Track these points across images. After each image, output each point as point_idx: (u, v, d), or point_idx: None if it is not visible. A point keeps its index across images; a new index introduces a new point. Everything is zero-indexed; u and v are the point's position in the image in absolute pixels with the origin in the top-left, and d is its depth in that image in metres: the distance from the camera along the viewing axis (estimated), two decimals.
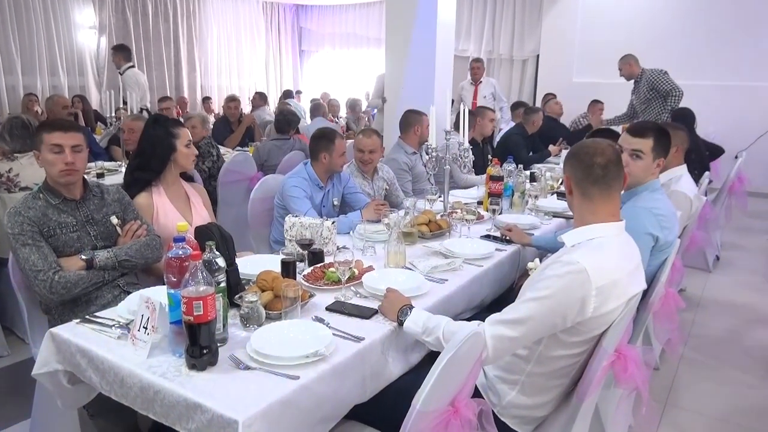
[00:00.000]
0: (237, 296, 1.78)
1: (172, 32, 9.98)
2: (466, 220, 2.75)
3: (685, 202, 2.87)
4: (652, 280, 2.12)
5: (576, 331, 1.55)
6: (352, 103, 8.19)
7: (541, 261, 1.90)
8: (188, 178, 2.81)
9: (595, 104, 7.35)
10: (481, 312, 2.46)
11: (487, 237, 2.81)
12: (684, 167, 3.08)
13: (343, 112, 8.70)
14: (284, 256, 2.12)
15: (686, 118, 4.18)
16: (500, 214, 3.07)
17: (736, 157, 5.13)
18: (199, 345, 1.48)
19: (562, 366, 1.63)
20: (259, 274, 1.92)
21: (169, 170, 2.57)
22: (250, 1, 11.43)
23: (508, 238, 2.73)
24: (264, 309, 1.79)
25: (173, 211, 2.59)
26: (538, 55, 9.43)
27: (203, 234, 1.88)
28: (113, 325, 1.73)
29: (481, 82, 7.08)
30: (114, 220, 2.31)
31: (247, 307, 1.73)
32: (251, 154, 4.85)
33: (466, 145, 2.97)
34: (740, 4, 7.41)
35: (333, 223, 2.49)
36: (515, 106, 6.69)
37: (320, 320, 1.80)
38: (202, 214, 2.69)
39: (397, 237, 2.34)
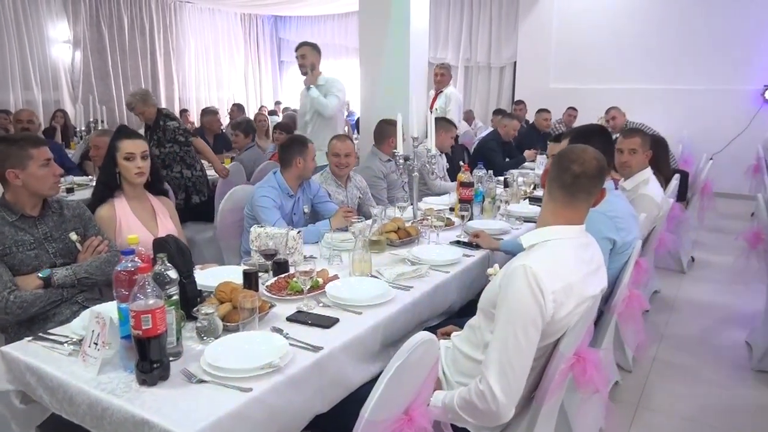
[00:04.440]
0: (195, 309, 1.76)
1: (149, 45, 9.93)
2: (435, 226, 2.75)
3: (652, 205, 2.89)
4: (614, 282, 2.13)
5: None
6: None
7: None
8: (160, 192, 2.77)
9: (569, 110, 7.43)
10: (450, 318, 2.45)
11: (457, 243, 2.80)
12: (649, 170, 3.11)
13: None
14: (246, 267, 2.10)
15: (661, 146, 4.11)
16: (470, 219, 3.07)
17: (711, 159, 5.21)
18: (150, 359, 1.45)
19: None
20: (218, 285, 1.90)
21: (125, 182, 2.53)
22: (228, 13, 11.43)
23: (476, 243, 2.73)
24: (222, 321, 1.76)
25: (137, 223, 2.56)
26: (515, 62, 9.52)
27: (160, 246, 1.85)
28: (65, 342, 1.69)
29: (441, 92, 6.15)
30: (73, 236, 2.27)
31: (203, 319, 1.70)
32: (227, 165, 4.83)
33: (434, 151, 2.97)
34: (713, 11, 7.54)
35: (298, 232, 2.47)
36: (495, 113, 6.73)
37: (279, 331, 1.77)
38: (168, 227, 2.66)
39: (363, 245, 2.32)
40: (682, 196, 4.42)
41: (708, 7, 7.56)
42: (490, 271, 1.89)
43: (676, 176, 3.78)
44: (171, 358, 1.55)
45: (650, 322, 3.68)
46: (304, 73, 4.49)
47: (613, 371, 2.85)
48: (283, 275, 2.22)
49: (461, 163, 4.48)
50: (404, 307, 2.06)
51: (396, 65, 5.29)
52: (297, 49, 4.52)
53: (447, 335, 2.02)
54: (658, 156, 3.46)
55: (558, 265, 1.54)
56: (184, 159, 4.37)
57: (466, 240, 2.81)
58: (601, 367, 1.66)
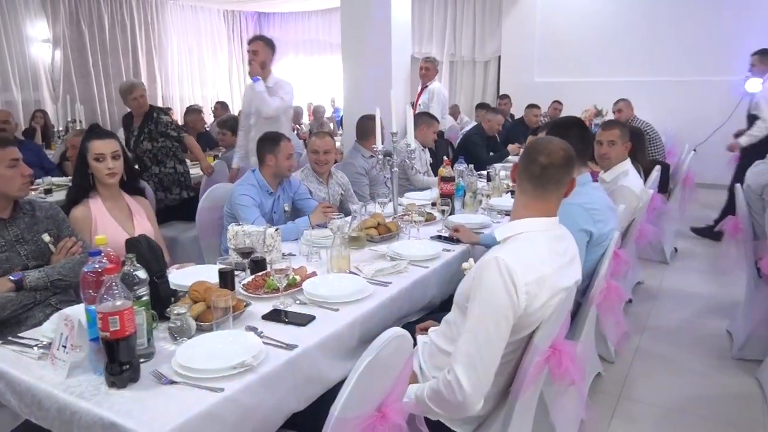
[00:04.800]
0: (168, 309, 1.73)
1: (130, 43, 9.81)
2: (415, 222, 2.73)
3: (632, 197, 2.89)
4: (592, 274, 2.13)
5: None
6: (314, 110, 8.15)
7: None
8: (136, 191, 2.73)
9: (554, 104, 7.46)
10: (431, 313, 2.45)
11: (438, 238, 2.80)
12: (629, 162, 3.12)
13: (306, 119, 8.66)
14: (222, 266, 2.08)
15: (639, 136, 4.10)
16: (451, 214, 3.06)
17: (695, 150, 5.23)
18: (119, 361, 1.43)
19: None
20: (192, 285, 1.87)
21: (99, 183, 2.50)
22: (211, 10, 11.32)
23: (456, 238, 2.72)
24: (196, 321, 1.74)
25: (113, 223, 2.52)
26: (499, 57, 9.53)
27: (132, 246, 1.82)
28: (35, 345, 1.66)
29: (426, 86, 6.03)
30: (46, 237, 2.23)
31: (176, 319, 1.68)
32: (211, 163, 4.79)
33: (413, 146, 2.96)
34: (695, 2, 7.58)
35: (276, 230, 2.44)
36: (478, 108, 6.72)
37: (253, 329, 1.75)
38: (145, 227, 2.62)
39: (341, 241, 2.31)
40: (663, 187, 4.45)
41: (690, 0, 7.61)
42: (465, 265, 1.88)
43: (657, 167, 3.79)
44: (142, 360, 1.53)
45: (633, 313, 3.71)
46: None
47: (595, 363, 2.87)
48: (260, 273, 2.20)
49: (445, 158, 4.48)
50: (382, 303, 2.05)
51: (378, 60, 5.28)
52: (250, 43, 4.13)
53: (426, 330, 2.01)
54: (636, 147, 3.47)
55: (531, 257, 1.53)
56: (176, 154, 4.36)
57: (446, 235, 2.80)
58: (576, 360, 1.66)
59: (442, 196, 3.19)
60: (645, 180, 3.70)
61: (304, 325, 1.81)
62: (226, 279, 2.06)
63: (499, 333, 1.48)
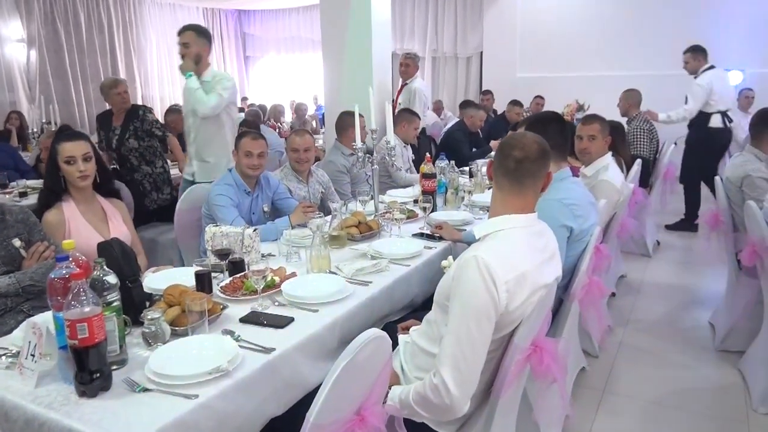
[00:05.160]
0: (142, 314, 1.69)
1: (108, 43, 9.65)
2: (396, 219, 2.71)
3: (613, 191, 2.89)
4: (573, 270, 2.11)
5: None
6: (296, 107, 8.08)
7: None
8: (110, 193, 2.67)
9: (536, 99, 7.47)
10: (414, 311, 2.42)
11: (420, 235, 2.77)
12: (609, 156, 3.12)
13: (288, 117, 8.59)
14: (198, 268, 2.04)
15: (619, 131, 4.08)
16: (433, 211, 3.04)
17: (675, 144, 5.27)
18: (89, 370, 1.38)
19: None
20: (166, 289, 1.83)
21: (71, 186, 2.44)
22: (190, 8, 11.18)
23: (438, 235, 2.70)
24: (171, 326, 1.70)
25: (87, 227, 2.46)
26: (481, 52, 9.52)
27: (104, 250, 1.77)
28: (2, 355, 1.61)
29: (407, 83, 5.68)
30: (17, 242, 2.17)
31: (150, 324, 1.63)
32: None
33: (393, 143, 2.93)
34: None
35: (255, 230, 2.40)
36: (463, 105, 6.66)
37: (230, 333, 1.71)
38: (121, 230, 2.56)
39: (320, 241, 2.27)
40: (645, 181, 4.47)
41: None
42: (444, 263, 1.85)
43: (638, 161, 3.80)
44: (114, 367, 1.49)
45: (616, 307, 3.72)
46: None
47: (579, 358, 2.86)
48: (238, 275, 2.16)
49: (427, 154, 4.45)
50: (362, 303, 2.02)
51: (358, 57, 5.23)
52: (179, 34, 3.60)
53: (408, 330, 1.99)
54: (616, 141, 3.48)
55: (510, 255, 1.51)
56: (162, 154, 4.28)
57: (428, 232, 2.77)
58: (558, 357, 1.64)
59: (424, 193, 3.16)
60: (626, 174, 3.72)
61: (282, 327, 1.78)
62: (203, 281, 2.02)
63: (482, 333, 1.46)
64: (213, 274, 2.21)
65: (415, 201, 3.40)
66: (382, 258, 2.38)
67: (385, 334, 1.34)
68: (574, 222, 2.05)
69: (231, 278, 2.14)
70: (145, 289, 2.01)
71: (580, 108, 7.38)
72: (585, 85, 7.76)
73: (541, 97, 7.48)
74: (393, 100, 5.80)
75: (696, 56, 5.55)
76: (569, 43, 8.47)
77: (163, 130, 4.33)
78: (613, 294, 3.84)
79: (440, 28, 9.79)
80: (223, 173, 3.05)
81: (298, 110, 8.10)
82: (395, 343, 1.84)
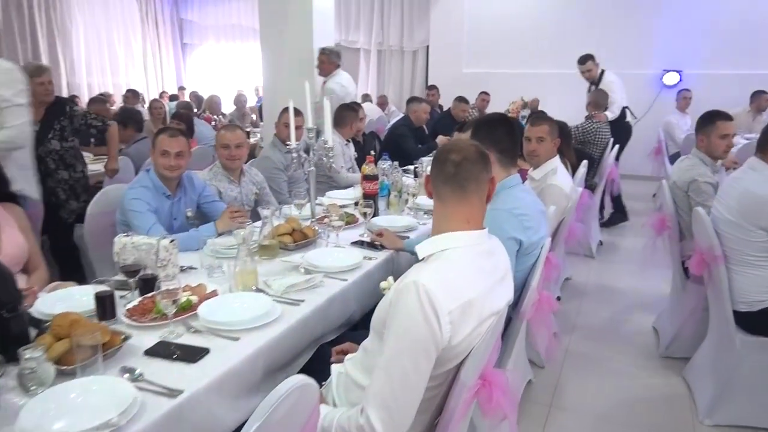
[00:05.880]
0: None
1: (29, 26, 8.92)
2: (334, 226, 2.49)
3: (561, 196, 2.77)
4: (522, 286, 1.96)
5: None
6: (236, 98, 7.70)
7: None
8: (5, 197, 2.32)
9: (482, 95, 7.39)
10: (351, 330, 2.22)
11: (360, 243, 2.56)
12: (558, 159, 3.00)
13: (229, 109, 8.17)
14: (99, 289, 1.76)
15: (566, 132, 3.98)
16: (374, 216, 2.84)
17: (618, 144, 5.27)
18: None
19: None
20: (54, 318, 1.54)
21: None
22: None
23: (380, 243, 2.50)
24: (57, 364, 1.42)
25: None
26: (428, 46, 9.38)
27: None
28: None
29: (326, 81, 5.08)
30: None
31: (27, 364, 1.35)
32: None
33: (330, 143, 2.70)
34: None
35: (172, 241, 2.13)
36: (409, 101, 6.45)
37: (130, 371, 1.45)
38: (15, 240, 2.22)
39: (246, 254, 2.02)
40: (587, 181, 4.42)
41: None
42: (383, 284, 1.65)
43: (584, 163, 3.72)
44: None
45: (562, 312, 3.63)
46: None
47: (526, 370, 2.74)
48: (149, 295, 1.89)
49: (371, 154, 4.24)
50: (292, 327, 1.79)
51: (298, 48, 4.98)
52: None
53: (344, 353, 1.78)
54: (563, 142, 3.38)
55: (456, 279, 1.33)
56: (82, 156, 3.79)
57: (369, 240, 2.57)
58: (508, 390, 1.47)
59: (365, 196, 2.96)
60: (573, 175, 3.63)
61: (194, 361, 1.53)
62: (104, 305, 1.74)
63: (419, 371, 1.27)
64: (122, 293, 1.94)
65: (357, 203, 3.19)
66: (316, 271, 2.16)
67: (310, 381, 1.12)
68: (524, 234, 1.89)
69: (140, 299, 1.87)
70: (36, 314, 1.73)
71: (525, 105, 7.36)
72: (530, 83, 7.75)
73: (487, 93, 7.41)
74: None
75: (595, 63, 5.88)
76: (516, 40, 8.44)
77: (103, 119, 3.89)
78: (558, 298, 3.76)
79: (386, 20, 9.58)
80: None
81: (238, 101, 7.72)
82: (331, 368, 1.64)
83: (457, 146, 1.49)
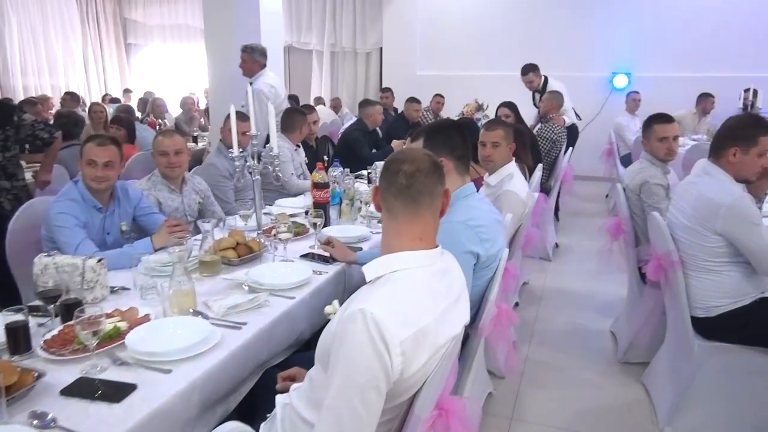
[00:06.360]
0: None
1: None
2: (281, 239, 2.33)
3: (518, 202, 2.70)
4: (480, 300, 1.86)
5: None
6: (183, 101, 7.40)
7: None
8: None
9: (436, 98, 7.34)
10: (302, 349, 2.08)
11: (310, 256, 2.42)
12: (514, 164, 2.94)
13: (176, 112, 7.85)
14: (13, 317, 1.56)
15: (522, 136, 3.89)
16: (325, 226, 2.70)
17: (572, 147, 5.29)
18: None
19: None
20: None
21: None
22: None
23: (331, 256, 2.36)
24: None
25: None
26: (381, 48, 9.28)
27: None
28: None
29: (252, 82, 4.65)
30: None
31: None
32: None
33: (276, 150, 2.55)
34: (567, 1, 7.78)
35: (100, 260, 1.94)
36: (362, 104, 6.30)
37: (40, 417, 1.27)
38: None
39: (182, 273, 1.85)
40: (542, 184, 4.40)
41: None
42: (328, 309, 1.51)
43: (539, 167, 3.68)
44: None
45: (520, 318, 3.51)
46: None
47: (485, 382, 2.65)
48: (71, 323, 1.69)
49: (325, 158, 4.10)
50: (232, 354, 1.64)
51: None
52: None
53: (291, 379, 1.64)
54: (519, 147, 3.32)
55: (407, 305, 1.20)
56: (20, 164, 3.50)
57: (320, 252, 2.43)
58: (466, 417, 1.36)
59: (316, 205, 2.82)
60: (529, 180, 3.58)
61: (119, 401, 1.36)
62: (17, 337, 1.55)
63: (369, 408, 1.14)
64: (40, 321, 1.75)
65: (308, 212, 3.05)
66: (261, 289, 2.01)
67: (246, 429, 0.98)
68: (481, 247, 1.79)
69: (61, 327, 1.68)
70: None
71: (480, 108, 7.35)
72: (485, 85, 7.74)
73: (441, 96, 7.36)
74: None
75: (537, 73, 5.95)
76: (468, 42, 8.44)
77: (50, 130, 3.61)
78: (517, 304, 3.71)
79: (339, 21, 9.43)
80: None
81: (184, 104, 7.42)
82: (275, 396, 1.49)
83: (410, 156, 1.36)
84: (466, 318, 1.40)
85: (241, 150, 2.58)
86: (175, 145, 2.86)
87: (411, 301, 1.22)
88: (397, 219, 1.34)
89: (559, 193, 4.92)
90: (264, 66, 4.68)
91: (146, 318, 1.77)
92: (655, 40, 7.48)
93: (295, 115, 4.10)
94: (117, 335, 1.64)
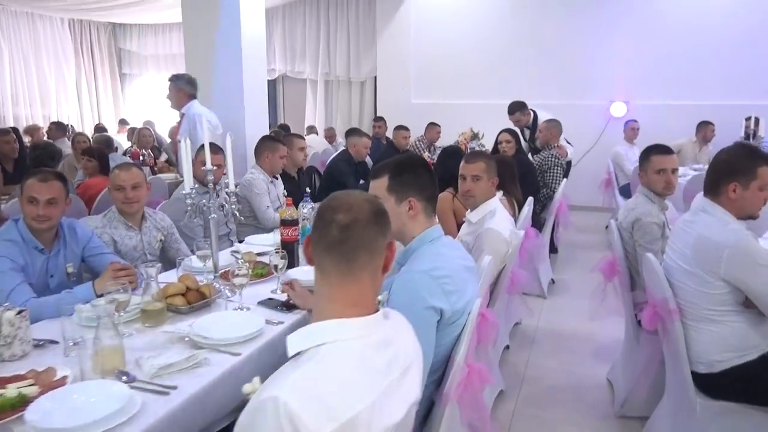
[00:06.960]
0: None
1: None
2: (235, 285, 2.11)
3: (500, 241, 2.47)
4: (446, 360, 1.63)
5: None
6: (172, 130, 7.26)
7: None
8: None
9: (432, 127, 7.19)
10: None
11: (270, 303, 2.19)
12: (496, 200, 2.72)
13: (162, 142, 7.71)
14: None
15: (508, 167, 3.68)
16: (291, 267, 2.48)
17: (566, 178, 5.09)
18: None
19: None
20: None
21: None
22: (53, 19, 9.96)
23: (291, 302, 2.14)
24: None
25: None
26: (376, 77, 9.18)
27: None
28: None
29: (183, 114, 4.37)
30: None
31: None
32: None
33: (232, 187, 2.35)
34: (562, 30, 7.66)
35: (20, 312, 1.72)
36: (348, 133, 6.12)
37: None
38: None
39: (109, 327, 1.63)
40: (534, 218, 4.18)
41: (558, 27, 7.68)
42: (247, 387, 1.28)
43: (530, 200, 3.47)
44: None
45: (510, 363, 3.34)
46: None
47: None
48: None
49: (308, 189, 3.87)
50: (155, 423, 1.41)
51: (227, 80, 4.64)
52: None
53: None
54: (507, 179, 3.12)
55: (332, 391, 0.98)
56: None
57: (282, 298, 2.20)
58: None
59: (284, 244, 2.61)
60: (518, 214, 3.37)
61: None
62: None
63: None
64: None
65: (278, 250, 2.83)
66: (204, 344, 1.78)
67: None
68: (446, 301, 1.55)
69: None
70: None
71: (475, 136, 7.19)
72: (481, 113, 7.57)
73: (437, 125, 7.21)
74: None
75: (524, 111, 5.95)
76: (463, 71, 8.32)
77: None
78: (507, 347, 3.46)
79: (333, 50, 9.36)
80: None
81: (172, 135, 7.26)
82: None
83: (346, 203, 1.14)
84: (415, 395, 1.17)
85: (214, 184, 2.41)
86: (132, 179, 2.66)
87: (337, 384, 0.99)
88: (329, 279, 1.12)
89: (555, 226, 4.70)
90: (193, 97, 4.33)
91: (63, 381, 1.54)
92: (653, 67, 7.34)
93: (264, 142, 3.87)
94: (21, 404, 1.41)
